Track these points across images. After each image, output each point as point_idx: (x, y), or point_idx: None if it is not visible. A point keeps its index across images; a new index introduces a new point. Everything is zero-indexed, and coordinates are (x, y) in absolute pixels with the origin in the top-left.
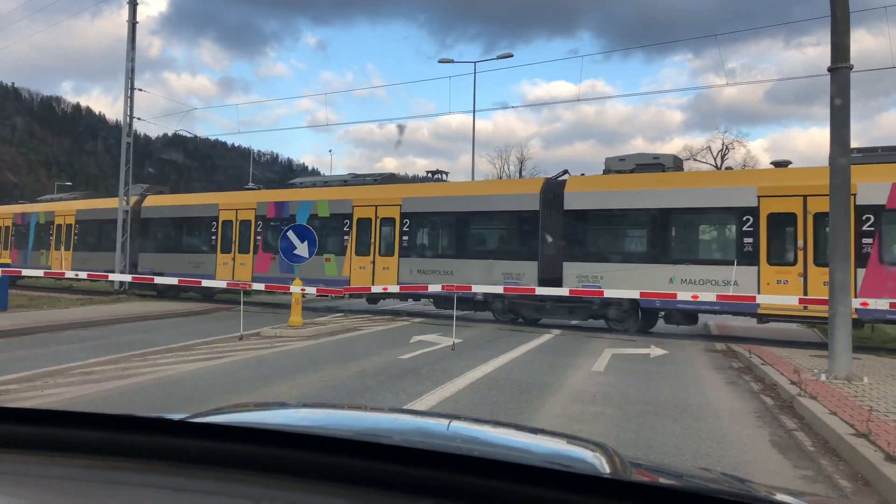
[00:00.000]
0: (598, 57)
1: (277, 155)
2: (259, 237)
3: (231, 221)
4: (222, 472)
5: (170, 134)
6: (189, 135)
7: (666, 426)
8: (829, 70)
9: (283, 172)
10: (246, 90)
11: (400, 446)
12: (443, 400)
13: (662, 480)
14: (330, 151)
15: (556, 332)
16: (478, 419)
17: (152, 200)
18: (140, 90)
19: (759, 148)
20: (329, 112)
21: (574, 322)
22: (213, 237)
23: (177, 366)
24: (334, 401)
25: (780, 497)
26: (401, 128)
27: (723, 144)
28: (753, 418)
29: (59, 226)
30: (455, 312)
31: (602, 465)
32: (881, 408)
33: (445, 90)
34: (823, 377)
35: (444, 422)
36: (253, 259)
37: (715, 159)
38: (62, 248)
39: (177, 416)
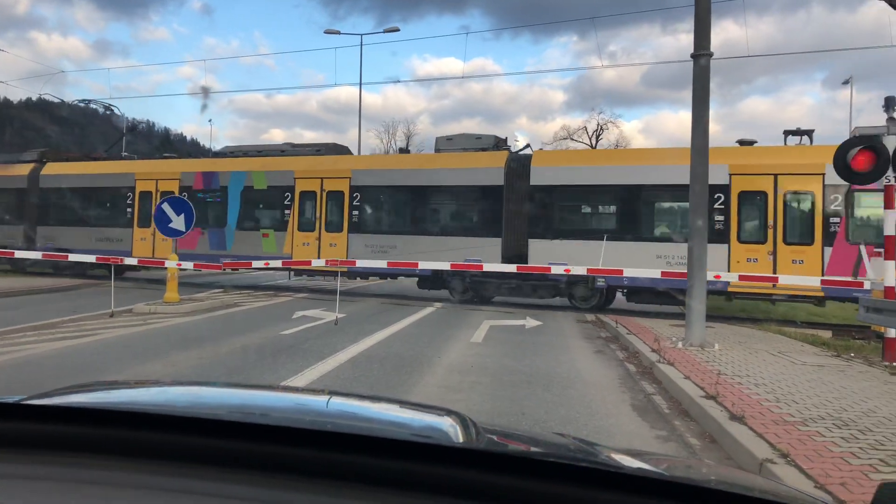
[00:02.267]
0: (489, 35)
1: (154, 124)
2: None
3: (150, 193)
4: (67, 458)
5: (34, 98)
6: (56, 99)
7: (538, 394)
8: (692, 56)
9: (159, 142)
10: (124, 54)
11: (269, 425)
12: (323, 375)
13: (512, 447)
14: (210, 121)
15: (438, 305)
16: (354, 394)
17: (53, 168)
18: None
19: (633, 129)
20: (212, 80)
21: (541, 302)
22: (130, 210)
23: (39, 345)
24: (211, 379)
25: (619, 457)
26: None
27: (598, 125)
28: (617, 384)
29: None
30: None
31: (457, 435)
32: (729, 371)
33: (336, 61)
34: (680, 345)
35: (324, 398)
36: None
37: (590, 139)
38: None
39: (13, 399)
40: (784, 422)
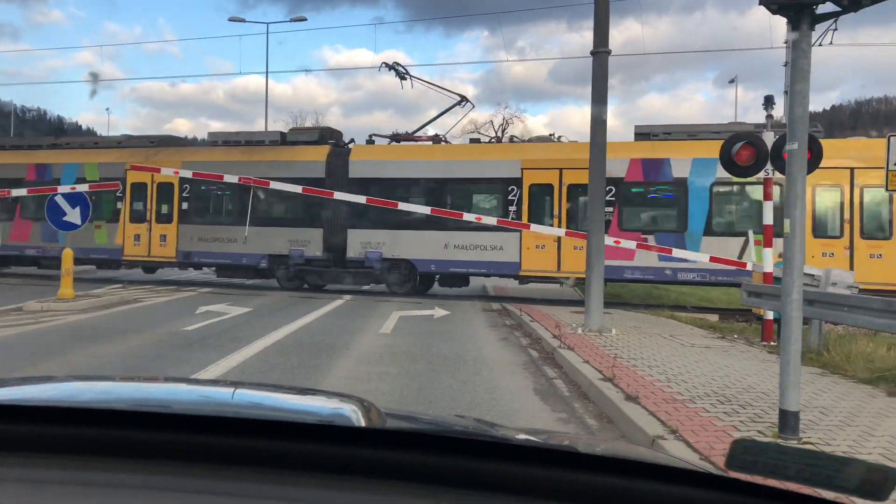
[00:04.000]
0: (401, 27)
1: (46, 111)
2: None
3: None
4: None
5: None
6: None
7: (445, 381)
8: (592, 53)
9: (51, 130)
10: (14, 37)
11: (172, 414)
12: (230, 370)
13: (407, 426)
14: (107, 110)
15: (348, 297)
16: (259, 384)
17: (363, 153)
18: None
19: (538, 123)
20: (112, 67)
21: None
22: None
23: None
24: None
25: (515, 435)
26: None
27: (504, 119)
28: (521, 370)
29: None
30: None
31: (359, 419)
32: (624, 355)
33: (245, 51)
34: (580, 330)
35: (229, 389)
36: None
37: (497, 132)
38: None
39: None
40: (674, 400)
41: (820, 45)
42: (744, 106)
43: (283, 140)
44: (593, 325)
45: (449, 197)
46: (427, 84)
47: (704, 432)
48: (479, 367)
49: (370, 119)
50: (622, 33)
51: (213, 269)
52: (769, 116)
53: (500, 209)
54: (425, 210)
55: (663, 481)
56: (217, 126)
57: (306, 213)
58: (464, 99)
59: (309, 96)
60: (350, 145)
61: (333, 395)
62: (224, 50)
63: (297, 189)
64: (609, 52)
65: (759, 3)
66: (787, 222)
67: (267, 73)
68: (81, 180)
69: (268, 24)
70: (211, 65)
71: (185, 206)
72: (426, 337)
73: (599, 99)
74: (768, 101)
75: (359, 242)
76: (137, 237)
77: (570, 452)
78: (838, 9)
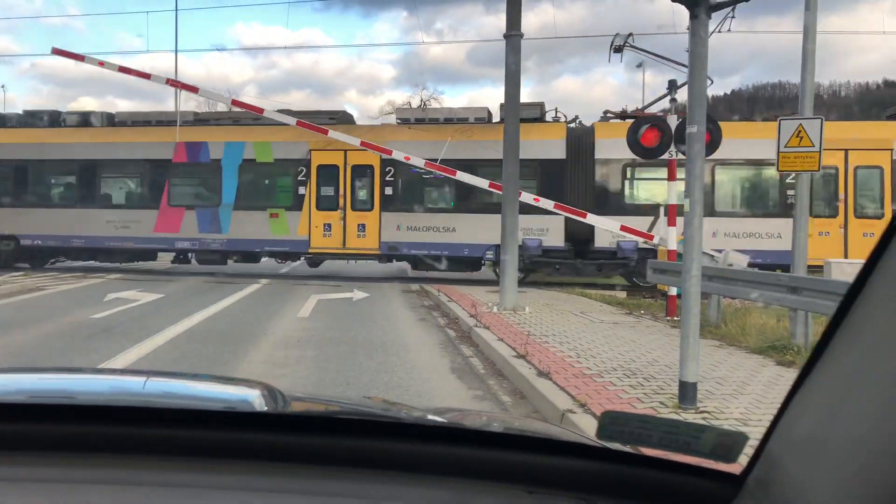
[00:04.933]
0: (318, 5)
1: None
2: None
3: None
4: None
5: None
6: None
7: (363, 363)
8: (505, 37)
9: None
10: None
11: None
12: (140, 358)
13: (310, 409)
14: (2, 87)
15: (265, 281)
16: (166, 372)
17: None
18: None
19: (457, 104)
20: (7, 41)
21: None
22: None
23: None
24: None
25: (419, 414)
26: None
27: (421, 100)
28: (438, 349)
29: None
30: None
31: (262, 404)
32: (537, 332)
33: (157, 26)
34: (496, 309)
35: (136, 378)
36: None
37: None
38: None
39: None
40: (583, 375)
41: (720, 31)
42: (652, 89)
43: (490, 118)
44: (508, 304)
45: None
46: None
47: (611, 405)
48: (398, 348)
49: (287, 98)
50: (538, 16)
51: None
52: (673, 100)
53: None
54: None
55: (547, 453)
56: (124, 104)
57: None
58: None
59: (223, 75)
60: (577, 123)
61: (241, 381)
62: (132, 25)
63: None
64: (521, 36)
65: None
66: (686, 202)
67: (176, 50)
68: (250, 162)
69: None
70: (119, 41)
71: (388, 191)
72: (345, 320)
73: (513, 79)
74: (672, 86)
75: (611, 231)
76: (328, 227)
77: (463, 429)
78: None
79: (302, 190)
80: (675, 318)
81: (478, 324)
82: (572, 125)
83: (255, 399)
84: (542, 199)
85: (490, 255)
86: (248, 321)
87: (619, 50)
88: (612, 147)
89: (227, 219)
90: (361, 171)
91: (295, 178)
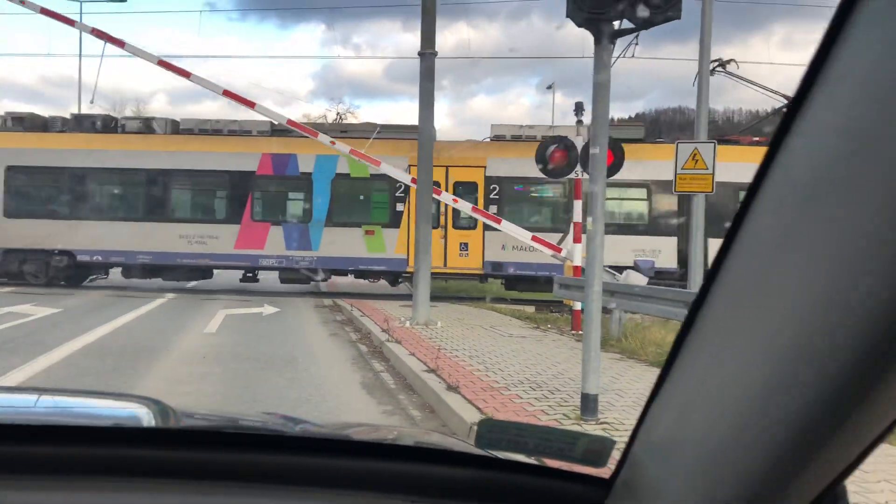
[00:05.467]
0: (235, 15)
1: None
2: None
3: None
4: None
5: None
6: None
7: (272, 379)
8: (419, 54)
9: None
10: None
11: None
12: (33, 375)
13: (198, 425)
14: None
15: (171, 295)
16: (58, 389)
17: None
18: None
19: (374, 119)
20: None
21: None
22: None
23: None
24: None
25: (318, 430)
26: None
27: (337, 114)
28: (349, 364)
29: None
30: None
31: (150, 420)
32: (448, 346)
33: (52, 30)
34: (408, 324)
35: (26, 396)
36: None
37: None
38: None
39: None
40: (491, 388)
41: (625, 56)
42: (563, 111)
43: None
44: (420, 319)
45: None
46: None
47: (517, 417)
48: (308, 364)
49: (199, 108)
50: (454, 35)
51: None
52: (579, 122)
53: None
54: None
55: (428, 463)
56: (10, 106)
57: (658, 219)
58: None
59: (133, 82)
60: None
61: (132, 397)
62: (35, 27)
63: None
64: (435, 54)
65: (567, 16)
66: (588, 220)
67: (80, 55)
68: (344, 176)
69: (81, 2)
70: (22, 43)
71: (493, 208)
72: (253, 335)
73: (427, 97)
74: (578, 108)
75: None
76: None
77: (344, 440)
78: (633, 25)
79: (400, 206)
80: (580, 332)
81: (390, 339)
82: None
83: (144, 415)
84: (460, 200)
85: None
86: (152, 336)
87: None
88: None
89: (319, 235)
90: (464, 188)
91: (392, 194)
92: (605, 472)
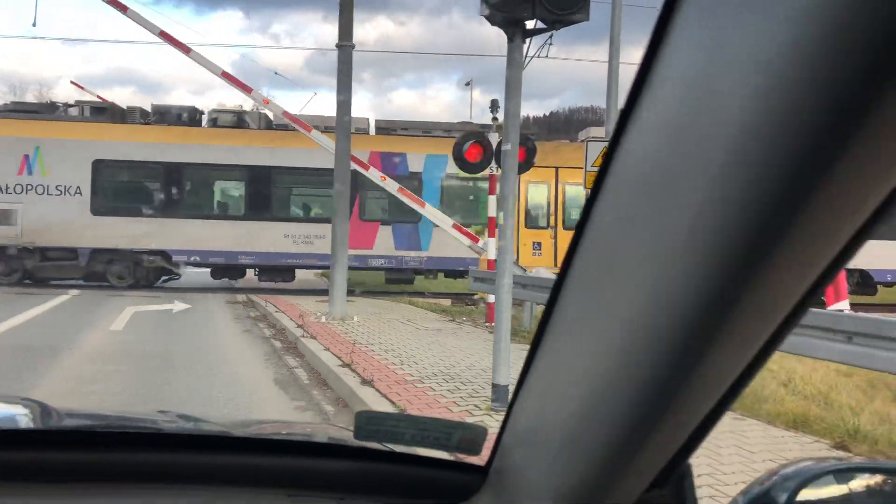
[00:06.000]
0: (148, 0)
1: None
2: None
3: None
4: None
5: None
6: None
7: (181, 378)
8: (337, 46)
9: None
10: None
11: None
12: None
13: (82, 424)
14: None
15: (75, 292)
16: None
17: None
18: None
19: (292, 110)
20: None
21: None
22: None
23: None
24: None
25: (219, 429)
26: None
27: (254, 105)
28: (262, 361)
29: None
30: None
31: (28, 421)
32: (364, 340)
33: None
34: (324, 319)
35: None
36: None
37: None
38: None
39: None
40: (405, 381)
41: (539, 56)
42: (481, 107)
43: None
44: (336, 313)
45: None
46: None
47: (429, 409)
48: (219, 361)
49: (110, 94)
50: (376, 29)
51: None
52: (495, 119)
53: None
54: None
55: (309, 456)
56: None
57: None
58: None
59: (39, 66)
60: None
61: (12, 398)
62: None
63: None
64: (353, 47)
65: (480, 14)
66: (500, 214)
67: None
68: (453, 176)
69: None
70: None
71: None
72: (163, 332)
73: (344, 90)
74: (494, 105)
75: None
76: (538, 246)
77: (228, 437)
78: (544, 25)
79: None
80: (493, 324)
81: (305, 334)
82: None
83: (21, 416)
84: (387, 178)
85: None
86: (54, 334)
87: None
88: None
89: (428, 235)
90: (574, 189)
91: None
92: (481, 459)
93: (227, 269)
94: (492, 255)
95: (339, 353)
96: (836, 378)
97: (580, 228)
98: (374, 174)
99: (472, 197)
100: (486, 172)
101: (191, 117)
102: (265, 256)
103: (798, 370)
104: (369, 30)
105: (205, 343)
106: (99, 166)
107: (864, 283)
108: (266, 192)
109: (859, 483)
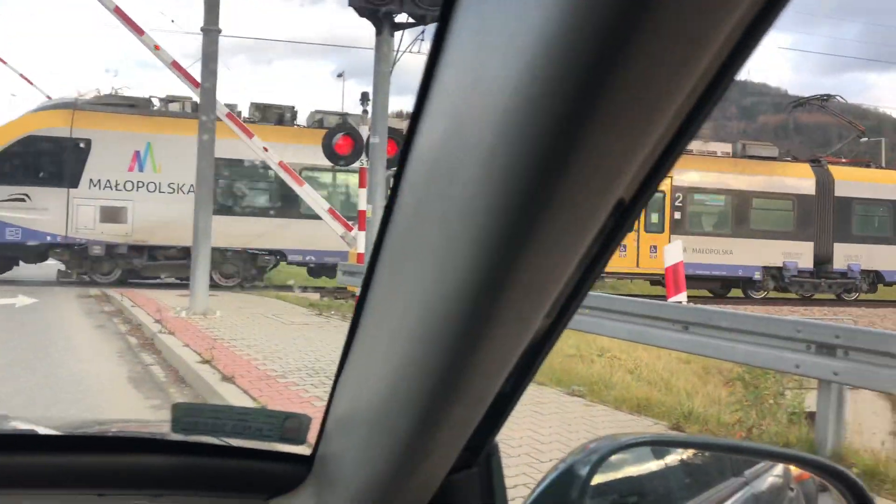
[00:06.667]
0: None
1: None
2: None
3: None
4: None
5: None
6: None
7: (23, 377)
8: (202, 30)
9: None
10: None
11: None
12: None
13: None
14: None
15: None
16: None
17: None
18: None
19: (161, 93)
20: None
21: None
22: None
23: None
24: None
25: (45, 431)
26: None
27: (112, 88)
28: (116, 358)
29: None
30: None
31: None
32: (226, 336)
33: None
34: (184, 314)
35: None
36: None
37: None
38: None
39: None
40: (268, 377)
41: (411, 52)
42: (353, 98)
43: (742, 153)
44: (198, 308)
45: None
46: None
47: (291, 405)
48: (68, 360)
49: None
50: (252, 14)
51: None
52: (365, 112)
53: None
54: None
55: (122, 453)
56: None
57: (798, 227)
58: None
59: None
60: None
61: None
62: None
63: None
64: (219, 31)
65: (349, 5)
66: (368, 208)
67: None
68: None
69: None
70: None
71: (677, 215)
72: (4, 329)
73: (210, 77)
74: (364, 97)
75: (843, 255)
76: (623, 247)
77: (40, 437)
78: (413, 20)
79: None
80: None
81: (163, 330)
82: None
83: None
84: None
85: (758, 275)
86: None
87: (799, 105)
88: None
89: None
90: (655, 195)
91: None
92: (308, 448)
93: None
94: (360, 248)
95: (198, 350)
96: (677, 365)
97: (387, 210)
98: (256, 143)
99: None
100: (356, 165)
101: (292, 116)
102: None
103: (644, 358)
104: (239, 14)
105: (51, 340)
106: (217, 164)
107: (878, 281)
108: None
109: (651, 454)
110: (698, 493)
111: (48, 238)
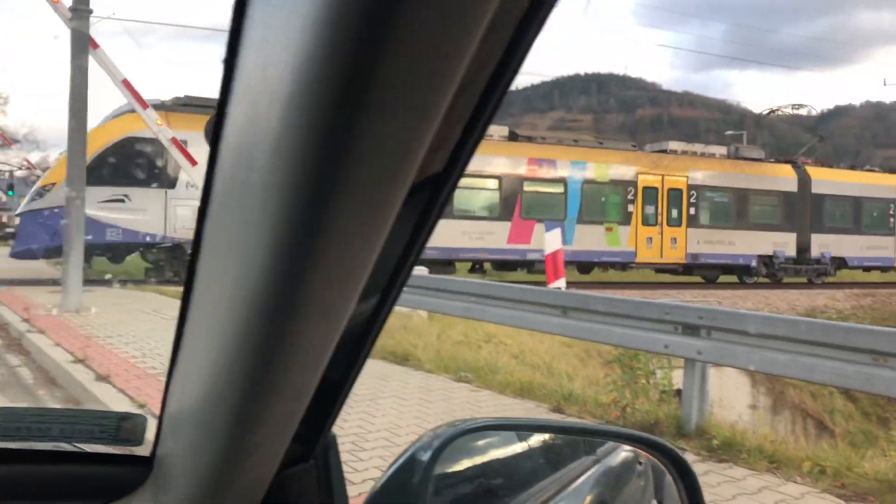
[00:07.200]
0: None
1: None
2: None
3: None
4: None
5: None
6: None
7: None
8: (71, 10)
9: None
10: None
11: None
12: None
13: None
14: None
15: None
16: None
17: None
18: None
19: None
20: None
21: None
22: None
23: None
24: None
25: None
26: None
27: None
28: None
29: None
30: None
31: None
32: (101, 333)
33: None
34: (55, 311)
35: None
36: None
37: None
38: None
39: None
40: (147, 375)
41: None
42: None
43: (735, 154)
44: (71, 305)
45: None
46: None
47: None
48: None
49: None
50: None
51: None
52: None
53: None
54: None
55: None
56: None
57: (784, 220)
58: None
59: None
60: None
61: None
62: None
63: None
64: (90, 12)
65: None
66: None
67: None
68: (590, 181)
69: None
70: None
71: (692, 210)
72: None
73: (80, 56)
74: None
75: (818, 244)
76: (650, 240)
77: None
78: None
79: (630, 207)
80: None
81: (31, 329)
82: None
83: None
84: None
85: (754, 263)
86: None
87: (773, 112)
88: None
89: (572, 232)
90: (674, 193)
91: (625, 196)
92: (147, 449)
93: (439, 264)
94: None
95: (71, 349)
96: (560, 349)
97: (203, 200)
98: (150, 115)
99: (602, 199)
100: None
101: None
102: (444, 251)
103: (528, 343)
104: None
105: None
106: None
107: (842, 266)
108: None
109: (511, 438)
110: (551, 473)
111: (147, 238)
